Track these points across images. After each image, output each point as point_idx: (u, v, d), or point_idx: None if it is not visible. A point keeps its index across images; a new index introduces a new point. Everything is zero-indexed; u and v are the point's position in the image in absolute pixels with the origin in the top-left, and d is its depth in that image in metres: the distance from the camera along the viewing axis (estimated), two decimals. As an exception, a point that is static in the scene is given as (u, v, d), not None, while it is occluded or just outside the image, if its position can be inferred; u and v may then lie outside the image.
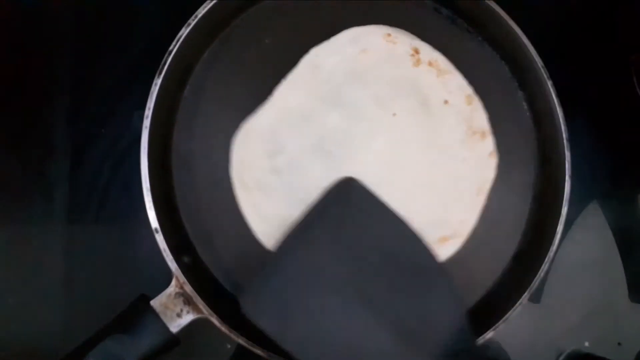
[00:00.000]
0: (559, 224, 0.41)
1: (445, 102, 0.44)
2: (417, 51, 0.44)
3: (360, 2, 0.44)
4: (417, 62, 0.44)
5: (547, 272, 0.47)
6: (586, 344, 0.48)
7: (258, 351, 0.37)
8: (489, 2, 0.43)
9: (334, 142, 0.42)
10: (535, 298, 0.48)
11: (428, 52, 0.44)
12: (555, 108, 0.43)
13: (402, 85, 0.43)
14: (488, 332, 0.39)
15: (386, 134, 0.42)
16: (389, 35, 0.44)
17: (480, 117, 0.44)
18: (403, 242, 0.37)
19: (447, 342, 0.35)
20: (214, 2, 0.40)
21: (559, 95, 0.43)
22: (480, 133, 0.44)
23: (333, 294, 0.35)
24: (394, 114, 0.43)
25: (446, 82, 0.44)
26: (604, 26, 0.52)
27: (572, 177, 0.42)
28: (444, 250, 0.42)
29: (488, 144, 0.44)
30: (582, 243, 0.50)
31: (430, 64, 0.44)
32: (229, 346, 0.44)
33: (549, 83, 0.43)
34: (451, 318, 0.36)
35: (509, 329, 0.46)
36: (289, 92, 0.42)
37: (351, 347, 0.35)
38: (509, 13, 0.43)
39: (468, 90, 0.44)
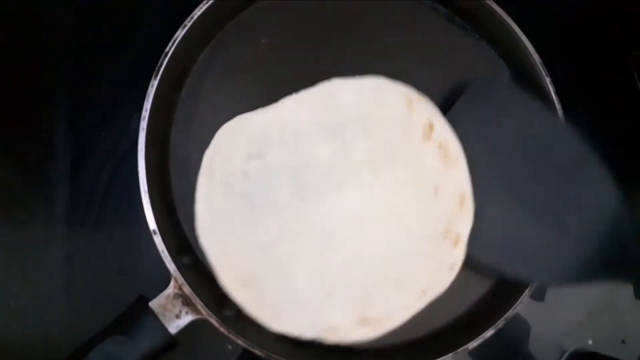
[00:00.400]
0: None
1: (436, 191, 0.40)
2: (432, 127, 0.40)
3: (360, 6, 0.45)
4: (428, 139, 0.40)
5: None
6: (590, 342, 0.48)
7: (257, 351, 0.37)
8: (486, 1, 0.43)
9: (312, 173, 0.39)
10: (539, 296, 0.48)
11: (442, 131, 0.40)
12: (554, 105, 0.42)
13: (403, 155, 0.40)
14: (488, 330, 0.39)
15: (363, 192, 0.39)
16: (411, 102, 0.40)
17: (464, 222, 0.39)
18: (553, 134, 0.38)
19: (603, 229, 0.36)
20: (209, 3, 0.40)
21: (557, 92, 0.43)
22: (454, 240, 0.39)
23: (485, 193, 0.37)
24: (379, 178, 0.40)
25: (448, 171, 0.40)
26: (602, 23, 0.52)
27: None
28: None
29: (456, 255, 0.39)
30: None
31: (440, 145, 0.40)
32: (229, 347, 0.44)
33: (548, 80, 0.43)
34: (604, 205, 0.37)
35: (512, 327, 0.46)
36: (295, 106, 0.40)
37: (508, 241, 0.37)
38: (506, 11, 0.43)
39: (466, 189, 0.40)
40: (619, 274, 0.36)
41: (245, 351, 0.42)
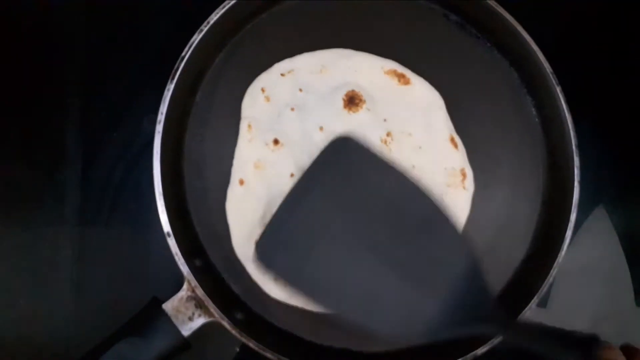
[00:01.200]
0: (567, 229, 0.41)
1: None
2: None
3: (368, 6, 0.45)
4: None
5: (554, 277, 0.47)
6: (593, 349, 0.48)
7: (268, 354, 0.37)
8: (497, 8, 0.43)
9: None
10: (543, 303, 0.48)
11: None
12: (564, 114, 0.43)
13: None
14: (497, 336, 0.39)
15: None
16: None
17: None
18: (405, 192, 0.38)
19: (460, 290, 0.36)
20: (225, 8, 0.40)
21: (567, 101, 0.43)
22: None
23: (339, 244, 0.37)
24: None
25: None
26: (613, 33, 0.52)
27: (581, 185, 0.42)
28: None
29: None
30: (589, 248, 0.49)
31: None
32: (237, 350, 0.44)
33: (558, 89, 0.43)
34: (462, 265, 0.37)
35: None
36: None
37: (361, 292, 0.36)
38: (517, 19, 0.43)
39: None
40: (474, 330, 0.36)
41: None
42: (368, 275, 0.36)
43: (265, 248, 0.37)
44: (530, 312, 0.45)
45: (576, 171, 0.42)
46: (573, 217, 0.41)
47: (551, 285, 0.47)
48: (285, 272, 0.36)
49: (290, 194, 0.38)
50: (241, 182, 0.41)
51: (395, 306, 0.36)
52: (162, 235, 0.38)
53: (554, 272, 0.41)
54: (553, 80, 0.43)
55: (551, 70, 0.43)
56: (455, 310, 0.36)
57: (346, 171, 0.38)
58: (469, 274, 0.37)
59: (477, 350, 0.39)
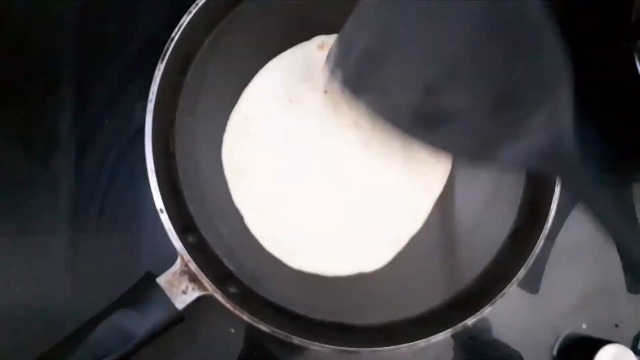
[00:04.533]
0: (552, 203, 0.42)
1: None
2: None
3: None
4: None
5: (545, 261, 0.48)
6: (584, 326, 0.49)
7: (262, 327, 0.37)
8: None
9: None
10: (534, 289, 0.49)
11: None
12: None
13: None
14: (486, 307, 0.40)
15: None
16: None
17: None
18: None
19: (543, 125, 0.34)
20: (214, -10, 0.41)
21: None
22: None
23: (419, 61, 0.35)
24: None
25: None
26: (603, 29, 0.52)
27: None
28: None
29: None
30: (578, 230, 0.50)
31: None
32: (232, 330, 0.45)
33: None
34: (555, 93, 0.34)
35: (507, 312, 0.47)
36: None
37: (437, 111, 0.35)
38: None
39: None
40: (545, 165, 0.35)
41: (248, 334, 0.43)
42: (445, 92, 0.35)
43: (340, 66, 0.36)
44: (521, 295, 0.47)
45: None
46: (557, 190, 0.42)
47: (542, 270, 0.48)
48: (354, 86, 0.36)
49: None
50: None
51: (471, 127, 0.35)
52: (155, 216, 0.38)
53: (539, 244, 0.42)
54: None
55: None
56: (528, 145, 0.34)
57: None
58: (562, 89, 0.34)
59: (467, 321, 0.40)
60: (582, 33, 0.52)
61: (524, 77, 0.34)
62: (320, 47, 0.45)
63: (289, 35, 0.45)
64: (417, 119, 0.36)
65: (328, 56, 0.38)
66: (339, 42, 0.37)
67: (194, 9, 0.41)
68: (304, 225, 0.43)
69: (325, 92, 0.44)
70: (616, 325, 0.50)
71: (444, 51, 0.35)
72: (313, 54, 0.44)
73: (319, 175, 0.43)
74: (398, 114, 0.37)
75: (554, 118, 0.34)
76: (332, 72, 0.37)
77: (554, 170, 0.36)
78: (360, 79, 0.36)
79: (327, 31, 0.45)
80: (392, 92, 0.36)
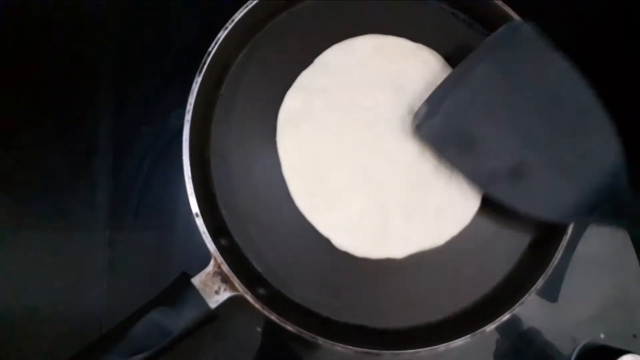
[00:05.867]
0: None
1: None
2: None
3: (380, 6, 0.48)
4: None
5: (564, 270, 0.49)
6: (602, 335, 0.49)
7: (288, 327, 0.39)
8: (504, 8, 0.45)
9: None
10: (553, 298, 0.49)
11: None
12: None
13: None
14: (505, 314, 0.41)
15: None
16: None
17: None
18: (567, 84, 0.41)
19: (602, 181, 0.40)
20: (248, 7, 0.43)
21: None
22: None
23: (492, 125, 0.41)
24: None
25: None
26: (617, 32, 0.54)
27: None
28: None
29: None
30: (598, 241, 0.51)
31: None
32: (258, 329, 0.46)
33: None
34: (608, 159, 0.40)
35: (526, 321, 0.48)
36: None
37: (506, 172, 0.41)
38: (524, 18, 0.45)
39: None
40: (611, 220, 0.41)
41: (268, 331, 0.45)
42: (516, 156, 0.41)
43: (422, 118, 0.42)
44: (540, 304, 0.48)
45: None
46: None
47: (561, 279, 0.49)
48: (437, 141, 0.42)
49: (455, 70, 0.43)
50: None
51: (538, 188, 0.41)
52: (189, 218, 0.40)
53: (559, 254, 0.42)
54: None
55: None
56: (592, 199, 0.40)
57: (512, 55, 0.41)
58: (611, 170, 0.40)
59: (486, 327, 0.41)
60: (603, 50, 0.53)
61: (583, 149, 0.41)
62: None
63: (318, 48, 0.47)
64: (494, 179, 0.41)
65: (416, 113, 0.43)
66: (428, 102, 0.42)
67: (229, 25, 0.43)
68: (351, 208, 0.44)
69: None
70: (634, 336, 0.50)
71: (523, 124, 0.41)
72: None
73: (371, 167, 0.45)
74: (477, 173, 0.42)
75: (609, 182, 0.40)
76: (418, 128, 0.43)
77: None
78: (444, 138, 0.42)
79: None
80: (474, 153, 0.42)
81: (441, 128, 0.41)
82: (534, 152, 0.41)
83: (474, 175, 0.42)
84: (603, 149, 0.41)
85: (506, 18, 0.46)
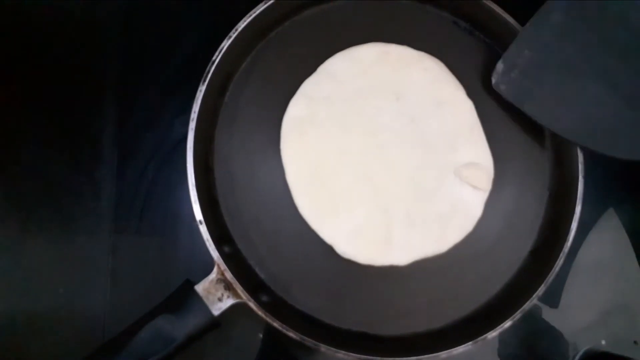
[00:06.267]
0: (573, 221, 0.43)
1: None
2: None
3: (383, 14, 0.48)
4: None
5: (565, 276, 0.49)
6: (603, 342, 0.49)
7: (291, 334, 0.39)
8: (504, 16, 0.46)
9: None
10: (554, 303, 0.49)
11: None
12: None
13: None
14: (507, 321, 0.41)
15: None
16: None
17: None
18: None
19: None
20: (252, 17, 0.44)
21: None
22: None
23: (571, 74, 0.42)
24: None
25: None
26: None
27: (586, 182, 0.44)
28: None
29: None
30: (599, 247, 0.51)
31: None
32: (260, 335, 0.47)
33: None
34: None
35: (527, 327, 0.48)
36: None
37: (588, 118, 0.42)
38: (523, 25, 0.45)
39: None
40: None
41: (265, 339, 0.45)
42: (596, 101, 0.42)
43: (500, 75, 0.43)
44: (541, 310, 0.48)
45: (580, 166, 0.44)
46: (578, 209, 0.43)
47: (562, 285, 0.49)
48: (516, 96, 0.43)
49: (530, 22, 0.43)
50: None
51: (620, 130, 0.42)
52: (192, 225, 0.41)
53: (560, 262, 0.43)
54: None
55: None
56: None
57: (587, 2, 0.42)
58: None
59: (488, 334, 0.41)
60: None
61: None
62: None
63: (322, 56, 0.47)
64: (578, 127, 0.43)
65: (495, 70, 0.44)
66: (503, 62, 0.44)
67: (233, 34, 0.43)
68: (355, 216, 0.44)
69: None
70: (635, 342, 0.50)
71: (604, 71, 0.42)
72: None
73: (375, 174, 0.45)
74: (556, 120, 0.43)
75: None
76: (496, 85, 0.44)
77: None
78: (522, 92, 0.43)
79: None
80: (555, 104, 0.43)
81: (520, 83, 0.43)
82: (614, 94, 0.42)
83: (557, 125, 0.43)
84: None
85: (507, 26, 0.46)
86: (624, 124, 0.42)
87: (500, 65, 0.44)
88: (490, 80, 0.45)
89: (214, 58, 0.43)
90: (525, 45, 0.43)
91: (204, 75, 0.42)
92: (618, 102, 0.42)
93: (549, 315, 0.49)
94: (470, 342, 0.41)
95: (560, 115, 0.43)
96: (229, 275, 0.39)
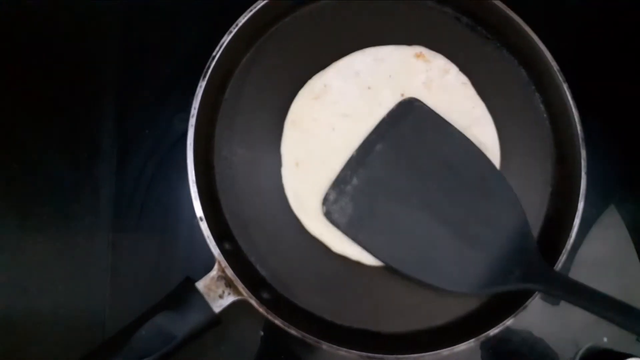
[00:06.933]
0: (575, 217, 0.43)
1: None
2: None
3: (384, 10, 0.48)
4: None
5: (566, 273, 0.49)
6: (605, 339, 0.49)
7: (292, 331, 0.39)
8: (506, 11, 0.46)
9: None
10: (555, 301, 0.49)
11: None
12: (571, 110, 0.45)
13: None
14: (509, 318, 0.41)
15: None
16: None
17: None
18: (464, 154, 0.43)
19: (510, 246, 0.40)
20: (253, 11, 0.43)
21: (574, 97, 0.45)
22: None
23: (398, 203, 0.42)
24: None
25: None
26: (617, 32, 0.54)
27: (588, 179, 0.44)
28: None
29: None
30: (601, 244, 0.51)
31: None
32: (262, 333, 0.46)
33: (565, 86, 0.45)
34: (514, 222, 0.41)
35: (529, 324, 0.48)
36: None
37: (417, 246, 0.41)
38: (525, 20, 0.46)
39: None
40: (520, 285, 0.40)
41: (265, 337, 0.45)
42: (424, 231, 0.41)
43: (330, 204, 0.42)
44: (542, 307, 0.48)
45: (583, 163, 0.44)
46: (581, 206, 0.43)
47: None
48: (348, 226, 0.42)
49: (356, 151, 0.43)
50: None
51: (448, 261, 0.41)
52: (192, 222, 0.40)
53: (562, 259, 0.43)
54: (560, 77, 0.45)
55: (558, 68, 0.45)
56: (503, 267, 0.40)
57: (409, 131, 0.43)
58: (517, 233, 0.41)
59: (490, 331, 0.41)
60: (606, 51, 0.54)
61: (487, 216, 0.42)
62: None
63: (323, 52, 0.47)
64: (407, 257, 0.42)
65: (325, 199, 0.43)
66: (333, 187, 0.43)
67: (234, 29, 0.43)
68: None
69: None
70: (637, 339, 0.50)
71: (427, 198, 0.42)
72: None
73: None
74: (390, 254, 0.42)
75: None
76: (327, 215, 0.43)
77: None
78: (354, 222, 0.42)
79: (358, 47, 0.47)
80: (384, 232, 0.42)
81: (350, 212, 0.42)
82: (442, 225, 0.42)
83: (388, 256, 0.42)
84: (507, 214, 0.42)
85: (508, 20, 0.46)
86: (453, 257, 0.42)
87: (330, 193, 0.43)
88: (491, 80, 0.45)
89: (214, 53, 0.42)
90: (352, 172, 0.43)
91: (204, 71, 0.42)
92: (447, 235, 0.42)
93: (550, 312, 0.49)
94: (473, 339, 0.40)
95: (391, 247, 0.42)
96: (229, 272, 0.39)
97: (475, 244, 0.41)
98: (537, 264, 0.41)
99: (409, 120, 0.43)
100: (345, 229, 0.42)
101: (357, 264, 0.44)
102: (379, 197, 0.42)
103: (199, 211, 0.40)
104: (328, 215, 0.42)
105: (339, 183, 0.43)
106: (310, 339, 0.39)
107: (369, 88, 0.45)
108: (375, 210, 0.42)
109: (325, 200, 0.43)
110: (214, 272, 0.40)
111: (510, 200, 0.42)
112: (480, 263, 0.41)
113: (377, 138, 0.43)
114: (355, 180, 0.43)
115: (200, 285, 0.39)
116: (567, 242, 0.43)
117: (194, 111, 0.41)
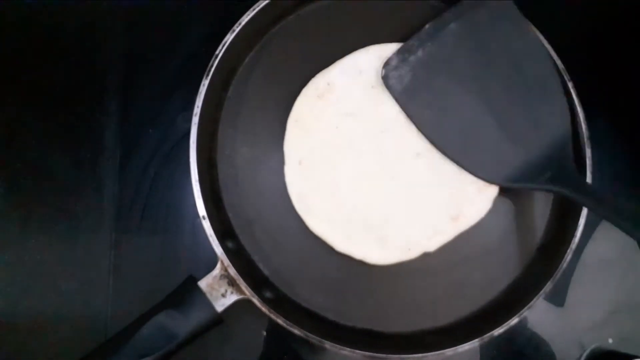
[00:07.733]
0: (580, 217, 0.43)
1: None
2: None
3: (388, 8, 0.48)
4: None
5: (571, 274, 0.49)
6: (610, 340, 0.49)
7: (295, 331, 0.39)
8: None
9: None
10: (559, 302, 0.49)
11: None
12: (576, 108, 0.44)
13: None
14: (513, 318, 0.41)
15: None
16: None
17: None
18: (533, 55, 0.43)
19: (549, 150, 0.42)
20: (255, 10, 0.43)
21: (579, 95, 0.45)
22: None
23: (456, 84, 0.43)
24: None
25: None
26: (621, 29, 0.54)
27: (593, 178, 0.43)
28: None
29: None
30: (605, 245, 0.51)
31: None
32: (264, 332, 0.46)
33: (570, 84, 0.45)
34: (558, 130, 0.43)
35: (534, 325, 0.48)
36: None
37: (460, 131, 0.43)
38: (530, 18, 0.45)
39: None
40: (550, 186, 0.42)
41: (268, 337, 0.45)
42: (472, 116, 0.43)
43: (390, 69, 0.43)
44: (547, 308, 0.48)
45: (588, 162, 0.44)
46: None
47: (568, 283, 0.49)
48: (401, 94, 0.43)
49: (429, 24, 0.44)
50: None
51: (487, 149, 0.43)
52: (195, 221, 0.40)
53: (567, 258, 0.42)
54: (565, 76, 0.45)
55: (563, 67, 0.45)
56: (537, 166, 0.42)
57: (486, 17, 0.44)
58: (558, 140, 0.42)
59: (494, 331, 0.41)
60: (613, 50, 0.54)
61: (536, 118, 0.43)
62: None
63: (327, 50, 0.47)
64: (448, 137, 0.43)
65: (387, 62, 0.44)
66: (398, 54, 0.44)
67: (237, 28, 0.43)
68: (353, 211, 0.44)
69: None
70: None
71: (484, 87, 0.43)
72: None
73: (376, 172, 0.45)
74: (433, 130, 0.43)
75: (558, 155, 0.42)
76: (385, 78, 0.44)
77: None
78: (407, 92, 0.43)
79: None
80: (434, 109, 0.43)
81: (407, 81, 0.43)
82: (490, 115, 0.43)
83: (430, 132, 0.43)
84: (554, 121, 0.43)
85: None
86: (494, 147, 0.43)
87: (393, 58, 0.44)
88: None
89: (217, 52, 0.42)
90: (420, 44, 0.43)
91: (207, 69, 0.42)
92: (493, 125, 0.43)
93: (555, 313, 0.49)
94: (477, 339, 0.40)
95: (436, 124, 0.43)
96: (232, 271, 0.39)
97: (518, 140, 0.42)
98: (570, 170, 0.42)
99: (489, 8, 0.44)
100: (397, 95, 0.43)
101: (361, 263, 0.43)
102: (439, 74, 0.43)
103: (201, 210, 0.40)
104: (385, 79, 0.43)
105: (404, 51, 0.44)
106: (313, 338, 0.39)
107: (372, 87, 0.45)
108: (431, 86, 0.43)
109: (386, 64, 0.44)
110: (216, 271, 0.40)
111: (561, 110, 0.43)
112: (518, 158, 0.42)
113: (453, 17, 0.44)
114: (420, 52, 0.43)
115: (203, 284, 0.39)
116: (572, 242, 0.43)
117: (197, 110, 0.41)
